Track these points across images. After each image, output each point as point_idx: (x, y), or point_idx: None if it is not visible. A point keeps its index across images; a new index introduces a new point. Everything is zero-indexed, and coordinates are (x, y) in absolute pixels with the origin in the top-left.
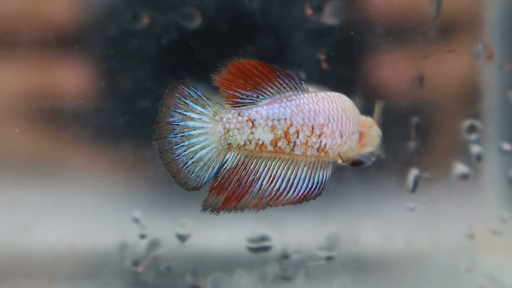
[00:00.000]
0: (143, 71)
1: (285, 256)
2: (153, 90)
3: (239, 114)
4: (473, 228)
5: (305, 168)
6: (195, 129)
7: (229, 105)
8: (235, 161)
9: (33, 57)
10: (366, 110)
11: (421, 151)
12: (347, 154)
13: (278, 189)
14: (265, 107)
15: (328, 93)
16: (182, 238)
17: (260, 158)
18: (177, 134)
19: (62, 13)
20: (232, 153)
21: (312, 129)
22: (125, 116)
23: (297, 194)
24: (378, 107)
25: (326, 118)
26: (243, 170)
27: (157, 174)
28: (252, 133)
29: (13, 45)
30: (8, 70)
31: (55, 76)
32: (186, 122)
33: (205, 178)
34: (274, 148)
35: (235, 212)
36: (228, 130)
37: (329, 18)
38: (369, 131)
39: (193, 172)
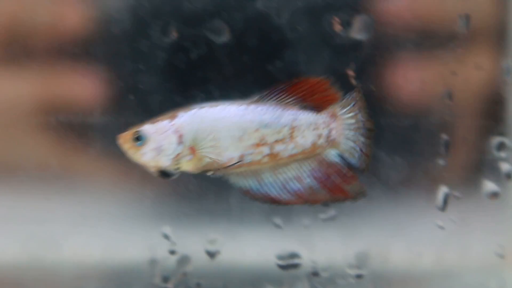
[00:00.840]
0: (172, 85)
1: (314, 274)
2: (182, 104)
3: None
4: (503, 247)
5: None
6: None
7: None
8: None
9: (52, 67)
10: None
11: (450, 168)
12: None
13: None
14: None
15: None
16: (211, 254)
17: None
18: None
19: (78, 23)
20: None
21: None
22: None
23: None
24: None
25: None
26: None
27: (187, 190)
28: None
29: (30, 55)
30: (27, 79)
31: (82, 89)
32: None
33: None
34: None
35: None
36: None
37: (357, 33)
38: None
39: None
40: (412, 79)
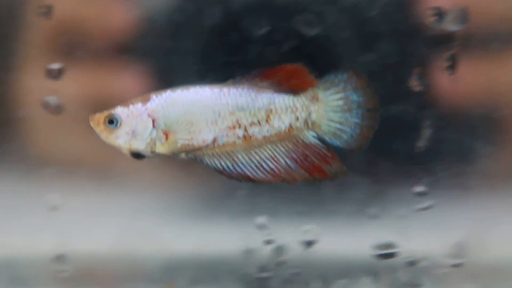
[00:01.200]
0: None
1: (411, 263)
2: None
3: None
4: None
5: None
6: None
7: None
8: None
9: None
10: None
11: None
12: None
13: None
14: None
15: None
16: (307, 244)
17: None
18: None
19: (130, 21)
20: None
21: None
22: None
23: None
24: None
25: None
26: None
27: None
28: None
29: (87, 53)
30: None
31: (138, 86)
32: None
33: None
34: None
35: None
36: None
37: (451, 24)
38: None
39: None
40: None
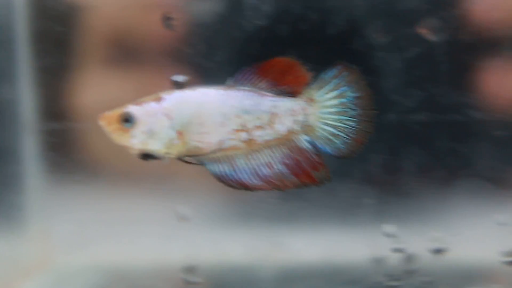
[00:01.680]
0: (390, 84)
1: None
2: (400, 102)
3: None
4: None
5: None
6: None
7: None
8: None
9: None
10: None
11: None
12: None
13: None
14: None
15: None
16: (436, 251)
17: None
18: None
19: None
20: None
21: None
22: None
23: None
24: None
25: None
26: None
27: (409, 188)
28: None
29: (133, 57)
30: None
31: None
32: None
33: None
34: None
35: None
36: None
37: None
38: None
39: None
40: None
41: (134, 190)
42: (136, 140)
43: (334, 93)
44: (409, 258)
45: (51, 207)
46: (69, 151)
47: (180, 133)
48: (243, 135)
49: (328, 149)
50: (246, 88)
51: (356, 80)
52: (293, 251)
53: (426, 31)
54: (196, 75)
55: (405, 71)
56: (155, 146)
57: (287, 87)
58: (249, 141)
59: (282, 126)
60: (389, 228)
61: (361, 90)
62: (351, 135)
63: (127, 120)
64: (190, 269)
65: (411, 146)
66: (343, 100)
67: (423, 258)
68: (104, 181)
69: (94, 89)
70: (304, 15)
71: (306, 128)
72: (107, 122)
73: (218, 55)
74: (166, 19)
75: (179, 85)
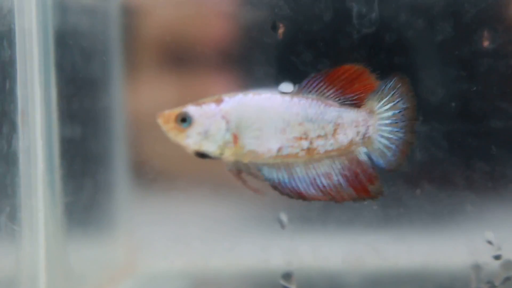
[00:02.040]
0: (494, 91)
1: None
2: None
3: None
4: None
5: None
6: None
7: None
8: None
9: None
10: None
11: None
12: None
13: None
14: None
15: None
16: None
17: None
18: None
19: (223, 34)
20: None
21: None
22: (477, 136)
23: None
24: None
25: None
26: None
27: (509, 193)
28: None
29: (179, 62)
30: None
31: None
32: None
33: None
34: None
35: None
36: None
37: None
38: None
39: None
40: None
41: (234, 197)
42: (191, 140)
43: (390, 105)
44: (508, 265)
45: (142, 212)
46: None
47: (235, 136)
48: (304, 144)
49: (381, 162)
50: (313, 96)
51: (406, 91)
52: (391, 258)
53: None
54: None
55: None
56: (209, 148)
57: (354, 95)
58: (309, 150)
59: (345, 137)
60: (490, 235)
61: (410, 101)
62: (399, 147)
63: (184, 119)
64: (287, 276)
65: None
66: (396, 111)
67: None
68: (205, 188)
69: (174, 96)
70: (410, 22)
71: (366, 140)
72: (165, 121)
73: (323, 63)
74: (274, 27)
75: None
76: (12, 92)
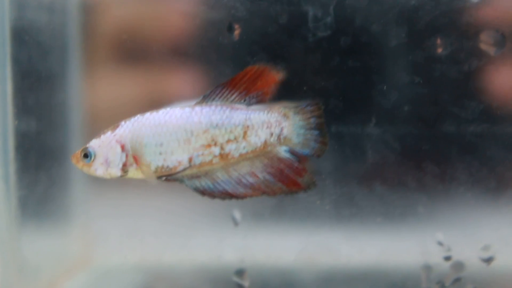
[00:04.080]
0: (446, 96)
1: None
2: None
3: None
4: None
5: None
6: None
7: None
8: None
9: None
10: None
11: None
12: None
13: None
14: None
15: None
16: (485, 260)
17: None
18: None
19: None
20: None
21: None
22: (429, 139)
23: None
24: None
25: None
26: None
27: (459, 196)
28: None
29: (142, 54)
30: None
31: (186, 87)
32: None
33: None
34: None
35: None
36: None
37: None
38: None
39: None
40: None
41: (188, 193)
42: (99, 172)
43: (304, 123)
44: (458, 266)
45: (97, 206)
46: None
47: (135, 157)
48: (215, 150)
49: (307, 151)
50: (216, 102)
51: (320, 115)
52: (344, 256)
53: (487, 46)
54: None
55: (463, 83)
56: (115, 173)
57: (258, 92)
58: (223, 156)
59: (258, 138)
60: (441, 236)
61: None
62: (319, 136)
63: (86, 155)
64: (240, 272)
65: (466, 156)
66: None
67: (472, 266)
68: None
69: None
70: (365, 27)
71: (282, 140)
72: (75, 161)
73: (277, 64)
74: (230, 28)
75: None
76: None
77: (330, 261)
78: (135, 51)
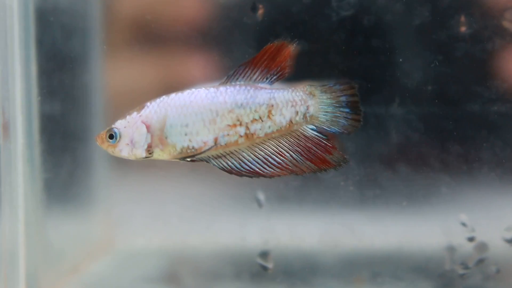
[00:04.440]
0: (470, 75)
1: None
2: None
3: None
4: None
5: None
6: None
7: None
8: None
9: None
10: None
11: None
12: None
13: None
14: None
15: None
16: (509, 241)
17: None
18: None
19: (197, 13)
20: None
21: None
22: (453, 119)
23: None
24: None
25: None
26: None
27: (483, 176)
28: None
29: (154, 41)
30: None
31: (200, 74)
32: None
33: None
34: None
35: None
36: None
37: None
38: None
39: None
40: None
41: (212, 175)
42: (124, 152)
43: (332, 101)
44: (482, 247)
45: (121, 189)
46: None
47: (160, 138)
48: (241, 130)
49: (335, 129)
50: (240, 82)
51: (352, 94)
52: (367, 238)
53: (511, 24)
54: None
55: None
56: (140, 154)
57: (277, 68)
58: (248, 135)
59: (283, 117)
60: (464, 217)
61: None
62: (349, 112)
63: (111, 136)
64: (263, 254)
65: (489, 135)
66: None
67: (496, 248)
68: (183, 166)
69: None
70: (388, 6)
71: (308, 119)
72: (100, 141)
73: (301, 44)
74: (254, 8)
75: None
76: None
77: (353, 243)
78: (157, 33)
